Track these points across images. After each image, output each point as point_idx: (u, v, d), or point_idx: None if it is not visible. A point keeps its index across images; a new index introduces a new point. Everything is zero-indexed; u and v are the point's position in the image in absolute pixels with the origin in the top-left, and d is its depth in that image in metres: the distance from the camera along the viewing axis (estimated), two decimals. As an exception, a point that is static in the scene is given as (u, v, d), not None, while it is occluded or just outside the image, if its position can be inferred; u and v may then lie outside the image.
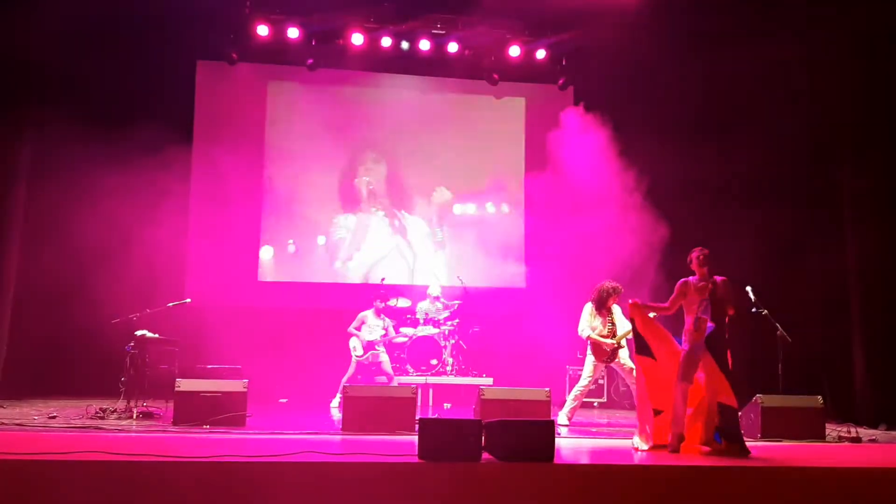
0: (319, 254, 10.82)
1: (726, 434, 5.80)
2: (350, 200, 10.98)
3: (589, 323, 7.74)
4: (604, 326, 7.69)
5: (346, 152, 11.02)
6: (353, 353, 9.00)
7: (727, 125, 9.87)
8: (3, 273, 8.74)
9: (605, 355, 7.65)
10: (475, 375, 9.49)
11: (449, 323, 9.65)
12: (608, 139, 9.23)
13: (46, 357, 9.11)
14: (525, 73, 10.97)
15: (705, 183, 10.06)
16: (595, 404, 9.89)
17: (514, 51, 10.52)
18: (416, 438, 4.82)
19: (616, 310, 7.82)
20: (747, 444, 5.84)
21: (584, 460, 5.46)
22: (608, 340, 7.64)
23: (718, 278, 6.03)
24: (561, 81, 10.83)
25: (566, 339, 9.18)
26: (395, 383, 8.69)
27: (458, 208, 11.08)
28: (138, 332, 7.54)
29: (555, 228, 10.04)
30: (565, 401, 7.95)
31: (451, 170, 11.13)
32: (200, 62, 10.66)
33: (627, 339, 7.49)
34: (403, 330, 9.55)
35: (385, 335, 9.03)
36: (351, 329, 9.07)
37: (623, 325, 7.72)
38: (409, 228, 10.98)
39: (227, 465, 4.43)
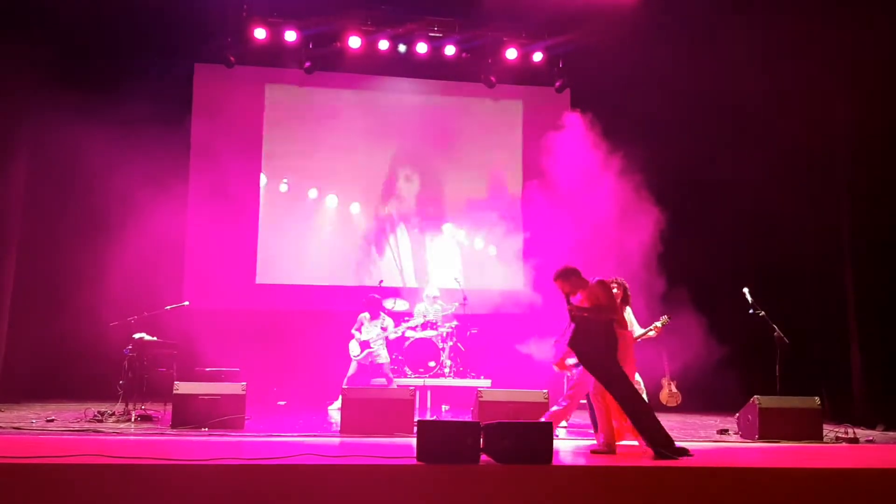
0: (317, 256, 10.81)
1: (650, 443, 5.45)
2: (347, 202, 10.98)
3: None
4: None
5: (344, 155, 11.02)
6: (351, 355, 9.01)
7: (726, 126, 9.90)
8: (1, 276, 8.73)
9: None
10: (473, 377, 9.49)
11: (447, 325, 9.66)
12: (606, 141, 9.24)
13: (44, 360, 9.10)
14: (522, 75, 10.99)
15: (704, 184, 10.09)
16: (593, 406, 9.90)
17: (512, 53, 10.53)
18: (414, 441, 4.82)
19: (627, 311, 7.79)
20: (744, 444, 5.81)
21: (583, 462, 5.46)
22: None
23: (592, 282, 5.79)
24: (558, 84, 10.85)
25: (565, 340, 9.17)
26: (394, 386, 8.69)
27: (455, 210, 11.09)
28: (136, 335, 7.54)
29: (553, 229, 10.05)
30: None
31: (448, 172, 11.15)
32: (198, 65, 10.68)
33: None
34: (402, 326, 9.54)
35: (383, 331, 9.00)
36: (353, 331, 9.08)
37: (635, 329, 7.68)
38: (406, 229, 10.98)
39: (225, 468, 4.43)
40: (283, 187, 10.87)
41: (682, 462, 5.27)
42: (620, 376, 5.64)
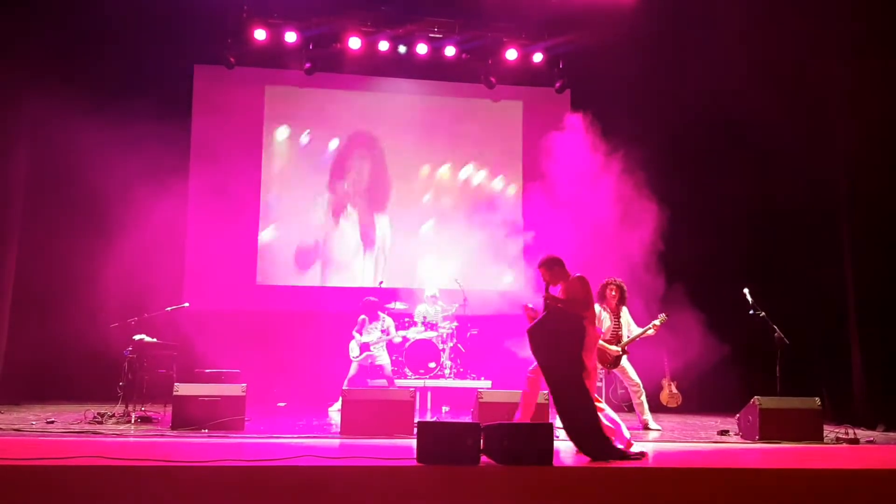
0: (318, 258, 10.81)
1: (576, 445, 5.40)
2: (347, 204, 10.98)
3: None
4: (611, 330, 7.71)
5: (344, 157, 11.03)
6: (351, 356, 9.01)
7: (727, 128, 9.89)
8: (1, 278, 8.73)
9: (609, 361, 7.67)
10: (474, 378, 9.50)
11: (447, 326, 9.66)
12: (606, 142, 9.24)
13: (44, 362, 9.08)
14: (522, 76, 10.99)
15: (704, 184, 10.08)
16: (593, 407, 9.89)
17: (512, 54, 10.53)
18: (414, 442, 4.82)
19: (625, 312, 7.83)
20: (744, 445, 5.79)
21: (584, 463, 5.46)
22: (613, 347, 7.66)
23: (573, 276, 5.84)
24: (558, 84, 10.84)
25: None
26: (394, 387, 8.69)
27: (455, 211, 11.08)
28: (136, 337, 7.53)
29: (553, 230, 10.05)
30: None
31: (448, 173, 11.16)
32: (198, 66, 10.67)
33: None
34: (402, 333, 9.55)
35: (384, 334, 9.01)
36: (353, 332, 9.08)
37: (630, 330, 7.72)
38: (406, 230, 10.98)
39: (225, 469, 4.43)
40: (282, 189, 10.86)
41: (683, 463, 5.27)
42: (569, 374, 5.45)
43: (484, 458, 4.76)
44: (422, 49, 10.44)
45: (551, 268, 5.90)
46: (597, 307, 7.78)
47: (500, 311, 10.31)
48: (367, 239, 10.96)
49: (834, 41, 8.87)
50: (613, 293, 7.78)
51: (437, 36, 10.44)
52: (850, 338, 8.90)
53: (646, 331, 7.66)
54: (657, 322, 7.64)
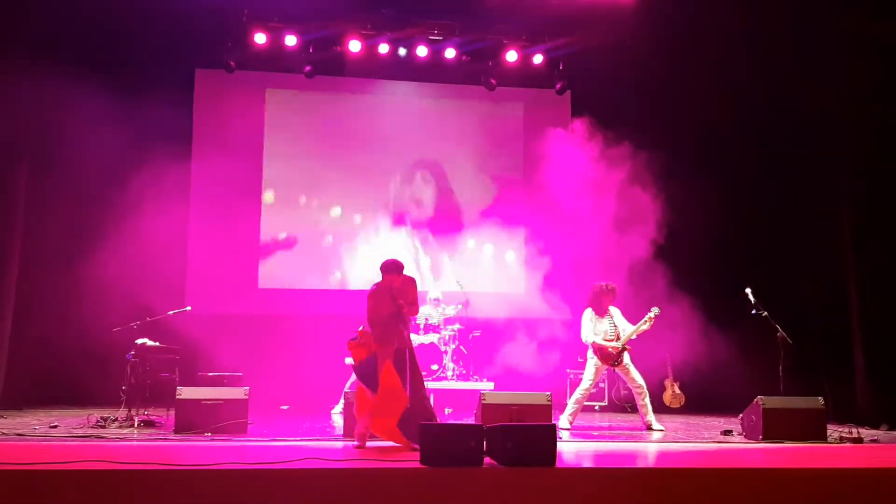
0: (319, 260, 10.81)
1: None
2: (348, 206, 10.98)
3: (592, 328, 7.77)
4: (608, 330, 7.74)
5: (344, 159, 11.03)
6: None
7: (726, 126, 9.89)
8: (3, 282, 8.73)
9: (612, 358, 7.69)
10: (476, 380, 9.49)
11: (450, 328, 9.66)
12: (606, 143, 9.24)
13: (47, 366, 9.09)
14: (523, 78, 10.99)
15: (705, 187, 10.08)
16: (596, 408, 9.91)
17: (512, 56, 10.53)
18: (417, 444, 4.82)
19: (615, 311, 7.87)
20: (748, 445, 5.79)
21: (586, 464, 5.46)
22: (614, 343, 7.67)
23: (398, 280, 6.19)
24: (559, 86, 10.84)
25: (567, 343, 9.20)
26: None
27: (456, 213, 11.08)
28: (139, 341, 7.54)
29: (554, 231, 10.07)
30: (566, 405, 7.97)
31: (448, 175, 11.16)
32: (199, 70, 10.69)
33: None
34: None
35: None
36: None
37: (624, 327, 7.77)
38: (407, 233, 10.98)
39: (228, 472, 4.43)
40: (283, 191, 10.87)
41: (687, 463, 5.27)
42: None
43: (487, 460, 4.76)
44: (422, 51, 10.44)
45: (393, 271, 6.26)
46: (589, 311, 7.83)
47: (502, 314, 10.33)
48: (368, 242, 10.95)
49: (836, 33, 8.86)
50: (610, 295, 7.87)
51: (437, 38, 10.44)
52: (853, 337, 8.89)
53: (641, 325, 7.69)
54: (651, 315, 7.68)
